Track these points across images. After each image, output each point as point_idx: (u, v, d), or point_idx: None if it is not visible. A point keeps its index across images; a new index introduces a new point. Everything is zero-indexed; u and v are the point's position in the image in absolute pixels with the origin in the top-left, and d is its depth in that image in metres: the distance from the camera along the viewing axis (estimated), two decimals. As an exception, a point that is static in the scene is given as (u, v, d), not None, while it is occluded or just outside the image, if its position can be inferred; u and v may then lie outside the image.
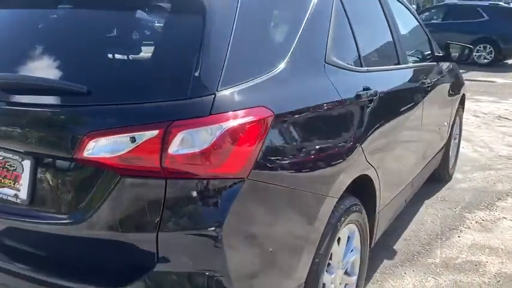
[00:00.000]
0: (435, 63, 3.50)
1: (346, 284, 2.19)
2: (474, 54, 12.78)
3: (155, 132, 1.32)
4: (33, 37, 1.72)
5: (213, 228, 1.36)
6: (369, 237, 2.31)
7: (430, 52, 3.53)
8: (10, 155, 1.59)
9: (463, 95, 4.22)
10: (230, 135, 1.36)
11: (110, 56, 1.59)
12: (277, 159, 1.52)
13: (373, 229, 2.39)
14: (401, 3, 3.32)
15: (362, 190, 2.17)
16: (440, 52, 3.56)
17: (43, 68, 1.57)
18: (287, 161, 1.56)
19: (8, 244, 1.66)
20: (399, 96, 2.57)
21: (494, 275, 2.79)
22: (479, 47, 12.72)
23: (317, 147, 1.72)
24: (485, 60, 12.72)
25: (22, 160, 1.56)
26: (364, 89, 2.10)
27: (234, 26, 1.50)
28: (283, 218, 1.57)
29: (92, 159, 1.39)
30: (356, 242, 2.19)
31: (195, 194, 1.36)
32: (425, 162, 3.29)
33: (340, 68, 2.00)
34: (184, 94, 1.37)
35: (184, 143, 1.33)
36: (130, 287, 1.40)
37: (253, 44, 1.60)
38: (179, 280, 1.41)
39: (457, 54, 3.52)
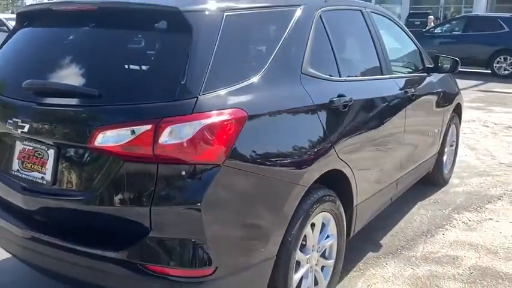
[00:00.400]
0: (425, 74, 3.79)
1: (323, 265, 2.51)
2: (494, 65, 12.87)
3: (149, 126, 1.70)
4: (58, 52, 2.13)
5: (193, 203, 1.73)
6: (346, 227, 2.63)
7: (421, 64, 3.83)
8: (39, 146, 1.99)
9: (458, 104, 4.48)
10: (208, 130, 1.72)
11: (115, 67, 1.97)
12: (250, 151, 1.87)
13: (352, 221, 2.71)
14: (393, 21, 3.65)
15: (338, 184, 2.50)
16: (431, 64, 3.84)
17: (65, 76, 1.98)
18: (258, 153, 1.91)
19: (35, 217, 2.06)
20: (377, 103, 2.88)
21: (469, 268, 3.05)
22: (500, 58, 12.79)
23: (287, 143, 2.07)
24: (506, 72, 12.77)
25: (48, 149, 1.96)
26: (338, 96, 2.43)
27: (216, 44, 1.87)
28: (254, 198, 1.92)
29: (101, 147, 1.78)
30: (332, 229, 2.51)
31: (180, 175, 1.73)
32: (413, 166, 3.57)
33: (315, 77, 2.34)
34: (173, 97, 1.74)
35: (171, 135, 1.70)
36: (129, 249, 1.78)
37: (233, 59, 1.96)
38: (168, 244, 1.78)
39: (448, 66, 3.81)
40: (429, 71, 3.83)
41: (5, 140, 2.16)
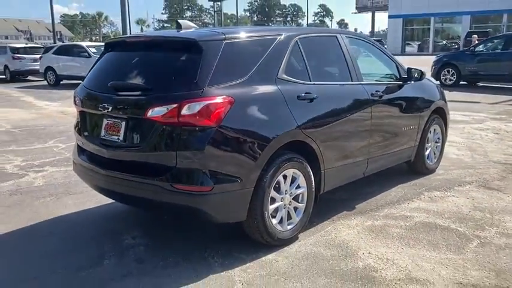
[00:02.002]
0: (400, 82, 4.94)
1: (295, 207, 3.73)
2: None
3: (176, 105, 3.06)
4: (126, 65, 3.58)
5: (200, 149, 3.06)
6: (315, 184, 3.85)
7: (396, 75, 4.99)
8: (117, 120, 3.42)
9: (439, 108, 5.54)
10: (208, 107, 3.06)
11: (158, 73, 3.37)
12: (236, 122, 3.18)
13: (321, 181, 3.92)
14: (370, 43, 4.88)
15: (306, 152, 3.73)
16: (405, 75, 4.99)
17: (130, 78, 3.42)
18: (241, 123, 3.21)
19: (113, 162, 3.48)
20: (342, 100, 4.08)
21: (415, 222, 4.13)
22: (537, 74, 13.30)
23: (261, 119, 3.35)
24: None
25: (121, 122, 3.39)
26: (306, 93, 3.70)
27: (217, 60, 3.22)
28: (237, 149, 3.20)
29: (150, 118, 3.16)
30: (302, 182, 3.73)
31: (192, 133, 3.07)
32: (385, 151, 4.70)
33: (288, 81, 3.62)
34: (190, 89, 3.10)
35: (188, 110, 3.05)
36: (165, 176, 3.13)
37: (228, 68, 3.29)
38: (186, 172, 3.12)
39: (417, 76, 4.96)
40: (404, 80, 4.98)
41: (97, 118, 3.62)
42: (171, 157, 3.14)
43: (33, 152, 6.98)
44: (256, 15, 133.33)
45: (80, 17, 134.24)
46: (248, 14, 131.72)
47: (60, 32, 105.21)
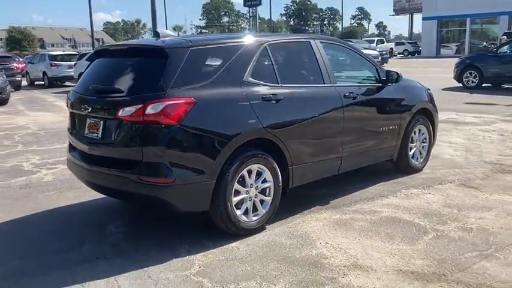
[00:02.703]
0: (379, 84, 5.17)
1: (262, 200, 4.04)
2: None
3: (141, 105, 3.44)
4: (105, 70, 4.00)
5: (162, 144, 3.43)
6: (283, 180, 4.14)
7: (376, 77, 5.21)
8: (97, 119, 3.84)
9: (424, 109, 5.71)
10: (169, 107, 3.42)
11: (130, 77, 3.76)
12: (197, 120, 3.53)
13: (289, 176, 4.21)
14: (349, 48, 5.13)
15: (272, 150, 4.04)
16: (385, 77, 5.21)
17: (107, 82, 3.83)
18: (203, 122, 3.56)
19: (93, 157, 3.89)
20: (311, 102, 4.36)
21: (381, 217, 4.35)
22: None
23: (224, 119, 3.68)
24: None
25: (100, 121, 3.80)
26: (272, 95, 4.01)
27: (182, 65, 3.58)
28: (198, 145, 3.55)
29: (121, 117, 3.56)
30: (268, 177, 4.03)
31: (155, 130, 3.45)
32: (361, 149, 4.94)
33: (253, 84, 3.94)
34: (155, 91, 3.48)
35: (151, 109, 3.42)
36: (133, 169, 3.52)
37: (192, 72, 3.65)
38: (150, 166, 3.48)
39: (394, 78, 5.18)
40: (383, 82, 5.20)
41: (82, 118, 4.05)
42: (138, 152, 3.52)
43: (51, 151, 7.57)
44: (293, 20, 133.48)
45: (121, 24, 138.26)
46: (284, 19, 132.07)
47: (102, 39, 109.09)
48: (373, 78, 5.25)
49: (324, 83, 4.58)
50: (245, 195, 3.90)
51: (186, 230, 4.11)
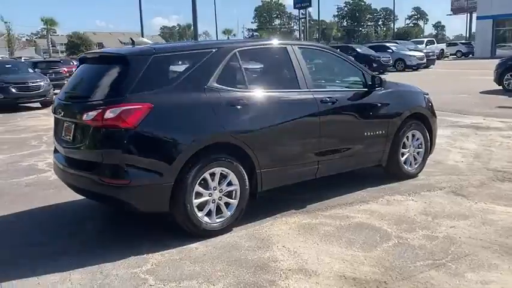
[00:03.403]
0: (364, 89, 5.14)
1: (227, 202, 4.13)
2: None
3: (101, 110, 3.65)
4: (81, 76, 4.25)
5: (119, 147, 3.62)
6: (250, 183, 4.23)
7: (362, 83, 5.19)
8: (70, 123, 4.09)
9: (418, 114, 5.61)
10: (127, 111, 3.60)
11: (96, 83, 3.98)
12: (154, 124, 3.69)
13: (257, 180, 4.29)
14: (333, 53, 5.14)
15: (240, 154, 4.13)
16: (370, 82, 5.17)
17: (78, 88, 4.08)
18: (160, 126, 3.72)
19: (67, 158, 4.14)
20: (282, 107, 4.41)
21: (351, 223, 4.33)
22: None
23: (182, 123, 3.82)
24: None
25: (72, 125, 4.05)
26: (238, 100, 4.12)
27: (143, 71, 3.76)
28: (154, 149, 3.71)
29: (85, 121, 3.78)
30: (234, 180, 4.13)
31: (113, 133, 3.64)
32: (342, 155, 4.93)
33: (218, 89, 4.06)
34: (114, 96, 3.68)
35: (110, 114, 3.62)
36: (95, 171, 3.73)
37: (153, 78, 3.82)
38: (109, 167, 3.68)
39: (378, 83, 5.13)
40: (369, 88, 5.16)
41: (61, 122, 4.31)
42: (99, 154, 3.73)
43: (69, 152, 8.00)
44: (346, 21, 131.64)
45: (177, 28, 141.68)
46: (337, 20, 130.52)
47: (157, 43, 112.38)
48: (360, 83, 5.22)
49: (300, 88, 4.61)
50: (208, 198, 4.02)
51: (156, 230, 4.28)
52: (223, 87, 4.12)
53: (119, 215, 4.81)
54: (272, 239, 3.99)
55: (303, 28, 55.39)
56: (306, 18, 66.19)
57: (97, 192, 3.84)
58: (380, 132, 5.24)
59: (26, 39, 70.47)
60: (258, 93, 4.34)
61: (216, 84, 4.08)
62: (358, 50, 26.28)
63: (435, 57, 31.01)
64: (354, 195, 5.11)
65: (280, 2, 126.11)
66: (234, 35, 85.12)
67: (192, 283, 3.29)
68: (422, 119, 5.72)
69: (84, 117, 3.78)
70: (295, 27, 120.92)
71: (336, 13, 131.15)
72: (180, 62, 4.07)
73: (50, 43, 62.40)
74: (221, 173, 4.07)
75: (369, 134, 5.14)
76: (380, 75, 5.26)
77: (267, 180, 4.38)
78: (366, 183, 5.47)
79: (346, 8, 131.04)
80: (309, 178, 4.83)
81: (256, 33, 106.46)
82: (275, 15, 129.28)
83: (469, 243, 3.80)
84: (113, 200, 3.80)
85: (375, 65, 24.39)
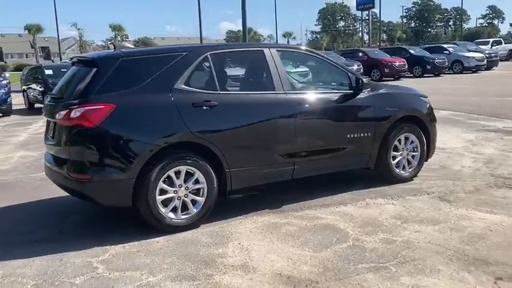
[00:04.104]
0: (349, 91, 5.12)
1: (194, 199, 4.30)
2: None
3: (67, 110, 3.95)
4: (65, 77, 4.60)
5: (83, 144, 3.91)
6: (219, 182, 4.37)
7: (347, 85, 5.17)
8: (52, 123, 4.44)
9: (412, 117, 5.50)
10: (90, 111, 3.88)
11: (70, 86, 4.29)
12: (116, 123, 3.94)
13: (226, 179, 4.43)
14: (317, 56, 5.19)
15: (207, 153, 4.29)
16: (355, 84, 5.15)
17: (60, 89, 4.43)
18: (122, 125, 3.96)
19: (49, 155, 4.49)
20: (252, 107, 4.51)
21: (318, 223, 4.35)
22: None
23: (145, 122, 4.04)
24: None
25: (53, 124, 4.39)
26: (204, 101, 4.28)
27: (109, 73, 4.03)
28: (116, 146, 3.95)
29: (58, 120, 4.10)
30: (201, 178, 4.28)
31: (78, 131, 3.93)
32: (321, 157, 4.94)
33: (185, 91, 4.25)
34: (81, 97, 3.97)
35: (74, 114, 3.91)
36: (65, 167, 4.04)
37: (119, 79, 4.06)
38: (74, 163, 3.98)
39: (360, 85, 5.11)
40: (354, 90, 5.14)
41: (48, 122, 4.68)
42: (67, 151, 4.04)
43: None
44: (414, 22, 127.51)
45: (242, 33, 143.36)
46: (405, 21, 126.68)
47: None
48: (344, 85, 5.21)
49: (275, 90, 4.69)
50: (173, 195, 4.20)
51: (131, 223, 4.50)
52: (191, 88, 4.30)
53: (109, 210, 5.11)
54: (232, 237, 4.11)
55: (366, 30, 54.40)
56: (369, 19, 64.96)
57: (68, 186, 4.14)
58: (365, 134, 5.19)
59: (102, 45, 74.36)
60: (228, 95, 4.48)
61: (183, 86, 4.26)
62: (412, 51, 25.47)
63: (498, 58, 29.37)
64: (336, 196, 5.11)
65: (344, 3, 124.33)
66: (294, 37, 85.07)
67: (135, 273, 3.48)
68: (418, 122, 5.58)
69: (57, 116, 4.10)
70: (360, 29, 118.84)
71: (403, 14, 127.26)
72: (149, 65, 4.28)
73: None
74: (187, 171, 4.24)
75: (352, 136, 5.11)
76: (365, 78, 5.20)
77: (237, 179, 4.50)
78: (355, 185, 5.43)
79: (414, 9, 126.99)
80: (285, 178, 4.89)
81: (318, 36, 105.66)
82: (339, 17, 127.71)
83: (424, 248, 3.73)
84: (80, 194, 4.09)
85: (428, 66, 23.52)
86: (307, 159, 4.88)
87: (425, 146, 5.67)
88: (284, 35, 79.72)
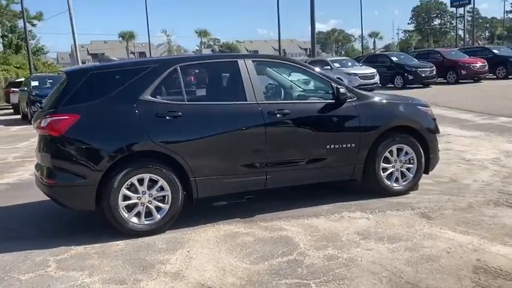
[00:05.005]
0: (331, 101, 5.01)
1: (158, 206, 4.49)
2: None
3: (39, 119, 4.33)
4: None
5: (49, 152, 4.26)
6: (183, 190, 4.52)
7: (327, 95, 5.08)
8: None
9: (406, 127, 5.25)
10: (54, 122, 4.21)
11: (49, 97, 4.67)
12: (79, 132, 4.24)
13: (192, 188, 4.56)
14: (297, 66, 5.15)
15: (171, 161, 4.46)
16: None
17: (45, 100, 4.80)
18: (86, 134, 4.25)
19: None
20: (219, 117, 4.58)
21: (274, 236, 4.31)
22: None
23: (107, 132, 4.29)
24: None
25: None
26: (168, 111, 4.45)
27: (78, 86, 4.35)
28: (79, 153, 4.24)
29: (36, 128, 4.51)
30: (165, 186, 4.46)
31: (47, 138, 4.30)
32: (297, 167, 4.89)
33: (150, 102, 4.44)
34: (51, 108, 4.32)
35: (44, 123, 4.27)
36: (40, 172, 4.42)
37: (88, 91, 4.36)
38: (45, 170, 4.34)
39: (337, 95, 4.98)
40: (336, 99, 5.02)
41: None
42: (41, 158, 4.42)
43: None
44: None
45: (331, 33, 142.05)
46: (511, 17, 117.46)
47: (309, 48, 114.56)
48: (327, 95, 5.11)
49: (247, 101, 4.73)
50: (136, 201, 4.42)
51: (102, 229, 4.68)
52: (157, 100, 4.50)
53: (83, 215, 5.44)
54: (186, 244, 4.23)
55: (460, 27, 51.29)
56: (463, 16, 61.26)
57: (42, 190, 4.52)
58: (347, 145, 5.05)
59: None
60: (195, 106, 4.62)
61: (149, 97, 4.47)
62: (495, 51, 23.67)
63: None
64: (316, 208, 5.02)
65: (440, 0, 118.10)
66: (381, 37, 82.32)
67: (77, 274, 3.73)
68: (414, 133, 5.31)
69: (34, 125, 4.50)
70: (459, 27, 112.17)
71: (508, 9, 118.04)
72: (117, 78, 4.53)
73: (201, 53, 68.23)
74: (151, 179, 4.44)
75: (332, 146, 4.99)
76: (349, 87, 5.07)
77: (203, 188, 4.61)
78: (343, 196, 5.30)
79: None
80: (257, 188, 4.91)
81: (409, 35, 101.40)
82: (434, 15, 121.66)
83: (363, 267, 3.59)
84: (51, 197, 4.45)
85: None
86: (280, 170, 4.86)
87: (422, 158, 5.37)
88: (370, 35, 77.57)
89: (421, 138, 5.35)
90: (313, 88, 5.27)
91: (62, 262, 3.98)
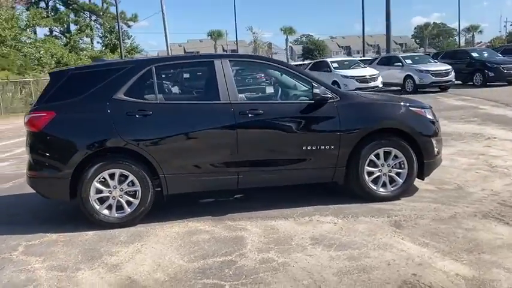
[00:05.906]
0: (309, 101, 4.88)
1: (128, 201, 4.70)
2: None
3: (24, 116, 4.72)
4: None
5: (29, 145, 4.64)
6: (153, 186, 4.69)
7: (307, 95, 4.95)
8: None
9: (395, 130, 4.97)
10: (33, 118, 4.58)
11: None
12: (55, 129, 4.56)
13: (162, 184, 4.72)
14: (278, 66, 5.10)
15: (140, 158, 4.65)
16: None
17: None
18: (61, 130, 4.56)
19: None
20: (188, 116, 4.65)
21: (230, 235, 4.32)
22: None
23: (79, 128, 4.56)
24: None
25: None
26: (138, 110, 4.64)
27: (57, 86, 4.68)
28: (54, 148, 4.56)
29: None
30: (135, 181, 4.65)
31: (30, 134, 4.67)
32: (270, 168, 4.84)
33: (122, 101, 4.65)
34: (34, 105, 4.70)
35: (26, 119, 4.66)
36: (28, 167, 4.83)
37: (67, 90, 4.67)
38: (29, 162, 4.73)
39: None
40: (316, 100, 4.88)
41: None
42: (26, 151, 4.81)
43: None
44: None
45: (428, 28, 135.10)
46: None
47: (405, 43, 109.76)
48: (308, 95, 4.98)
49: (220, 100, 4.78)
50: (107, 194, 4.67)
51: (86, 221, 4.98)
52: (130, 99, 4.70)
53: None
54: (144, 239, 4.39)
55: None
56: None
57: (27, 182, 4.92)
58: (326, 147, 4.88)
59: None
60: (166, 105, 4.75)
61: (122, 96, 4.68)
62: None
63: None
64: (291, 210, 4.94)
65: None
66: (481, 31, 76.36)
67: (32, 259, 4.06)
68: (405, 136, 5.01)
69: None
70: None
71: None
72: (94, 78, 4.79)
73: (288, 50, 68.29)
74: (122, 174, 4.66)
75: (308, 148, 4.86)
76: (332, 87, 4.90)
77: (173, 185, 4.74)
78: (326, 199, 5.16)
79: None
80: (230, 188, 4.94)
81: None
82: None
83: (290, 272, 3.51)
84: (33, 188, 4.83)
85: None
86: (253, 170, 4.84)
87: (415, 163, 5.04)
88: (469, 29, 72.56)
89: (413, 142, 5.02)
90: (296, 88, 5.15)
91: (30, 248, 4.33)
